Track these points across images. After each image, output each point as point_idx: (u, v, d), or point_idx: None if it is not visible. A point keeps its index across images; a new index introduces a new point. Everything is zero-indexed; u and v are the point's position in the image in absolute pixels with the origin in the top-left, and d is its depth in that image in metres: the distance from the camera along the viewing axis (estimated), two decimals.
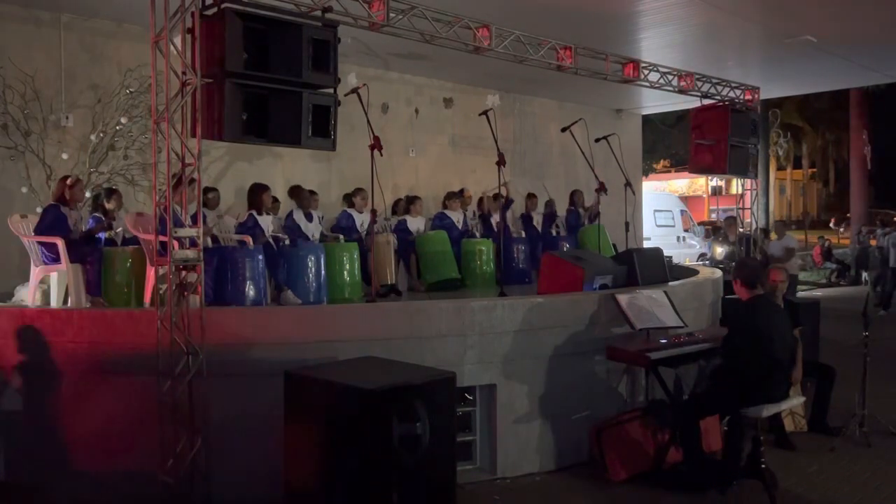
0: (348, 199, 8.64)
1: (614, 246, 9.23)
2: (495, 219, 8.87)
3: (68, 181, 6.28)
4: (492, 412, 5.04)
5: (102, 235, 6.41)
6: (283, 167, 9.11)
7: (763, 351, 4.46)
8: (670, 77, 8.94)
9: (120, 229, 6.55)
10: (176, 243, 4.32)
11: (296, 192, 7.81)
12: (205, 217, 5.56)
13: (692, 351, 5.16)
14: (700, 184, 27.75)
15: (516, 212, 10.08)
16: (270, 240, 6.90)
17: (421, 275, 8.30)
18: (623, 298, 5.34)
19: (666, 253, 7.49)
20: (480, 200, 9.75)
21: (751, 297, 4.66)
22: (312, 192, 8.12)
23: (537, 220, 9.87)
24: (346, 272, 7.14)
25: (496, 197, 8.51)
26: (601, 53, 7.98)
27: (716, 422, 5.38)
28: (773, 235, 11.95)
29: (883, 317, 12.04)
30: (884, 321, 11.32)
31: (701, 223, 21.59)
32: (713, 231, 14.32)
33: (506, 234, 8.24)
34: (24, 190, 7.01)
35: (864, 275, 14.87)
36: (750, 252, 9.96)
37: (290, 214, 7.53)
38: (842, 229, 24.90)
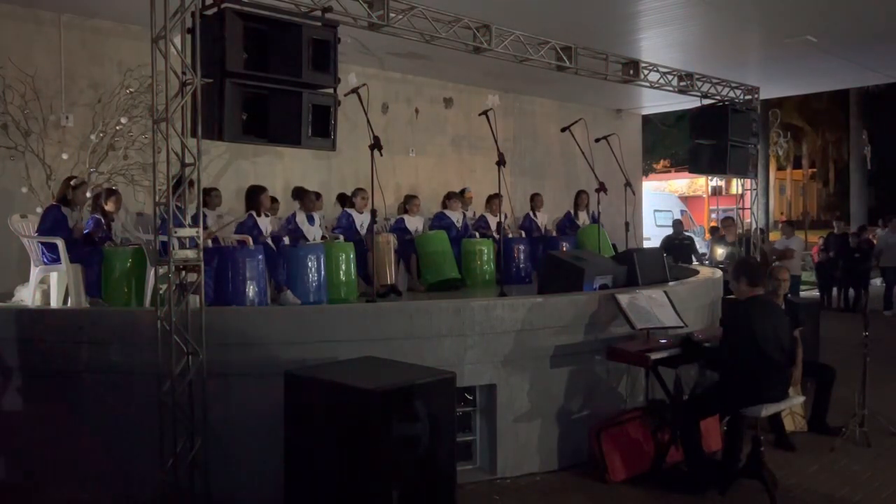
0: (344, 199, 8.62)
1: (614, 246, 9.22)
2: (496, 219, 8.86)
3: (72, 182, 6.28)
4: (492, 412, 5.04)
5: (103, 235, 6.42)
6: (283, 167, 9.10)
7: (757, 351, 4.47)
8: (670, 77, 8.93)
9: (120, 231, 6.55)
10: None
11: (300, 193, 7.76)
12: (205, 217, 5.56)
13: None
14: (700, 184, 27.65)
15: (517, 212, 10.07)
16: (269, 240, 6.90)
17: (421, 275, 8.29)
18: (623, 298, 5.34)
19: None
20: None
21: (748, 298, 4.68)
22: (318, 195, 8.10)
23: (542, 221, 9.86)
24: (342, 272, 7.13)
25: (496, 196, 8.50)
26: (601, 53, 7.98)
27: (716, 422, 5.38)
28: (775, 235, 11.93)
29: (889, 317, 12.03)
30: (883, 320, 11.31)
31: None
32: (711, 231, 14.28)
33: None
34: (24, 190, 7.00)
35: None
36: (749, 252, 9.96)
37: (292, 216, 7.51)
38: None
